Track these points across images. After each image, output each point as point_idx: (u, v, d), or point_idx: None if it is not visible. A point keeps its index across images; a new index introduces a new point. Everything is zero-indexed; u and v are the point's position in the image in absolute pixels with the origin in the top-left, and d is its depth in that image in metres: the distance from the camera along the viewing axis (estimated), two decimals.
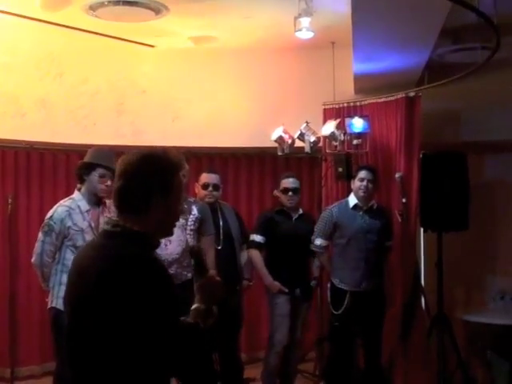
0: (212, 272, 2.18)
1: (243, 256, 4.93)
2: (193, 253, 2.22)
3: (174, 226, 2.04)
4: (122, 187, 1.94)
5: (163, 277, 1.88)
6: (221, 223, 4.73)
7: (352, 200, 4.79)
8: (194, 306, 2.03)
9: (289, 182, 4.92)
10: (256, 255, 4.87)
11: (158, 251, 3.95)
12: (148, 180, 1.92)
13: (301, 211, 5.00)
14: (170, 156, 1.98)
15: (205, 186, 4.73)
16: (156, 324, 1.80)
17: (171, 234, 2.07)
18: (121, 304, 1.79)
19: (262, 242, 4.87)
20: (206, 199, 4.69)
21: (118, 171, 1.96)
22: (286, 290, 4.78)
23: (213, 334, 4.88)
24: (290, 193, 4.89)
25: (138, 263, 1.84)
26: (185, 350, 1.89)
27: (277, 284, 4.80)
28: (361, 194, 4.72)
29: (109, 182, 3.86)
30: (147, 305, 1.79)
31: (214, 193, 4.74)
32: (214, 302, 2.04)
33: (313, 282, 5.02)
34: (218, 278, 2.14)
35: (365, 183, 4.70)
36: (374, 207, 4.80)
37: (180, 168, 2.03)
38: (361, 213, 4.75)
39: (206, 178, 4.77)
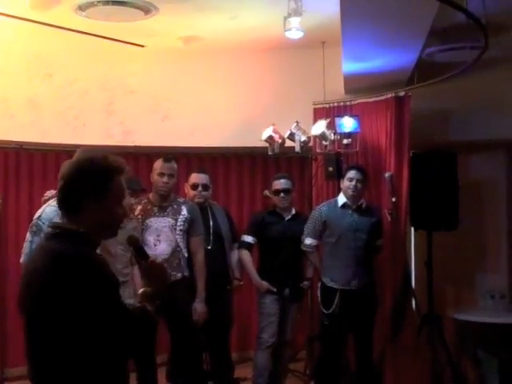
0: (152, 257, 2.25)
1: (234, 256, 4.93)
2: (130, 241, 2.27)
3: (119, 226, 2.13)
4: (60, 189, 2.07)
5: (99, 273, 1.95)
6: (211, 223, 4.73)
7: (341, 199, 4.80)
8: (140, 290, 2.14)
9: (280, 183, 4.91)
10: (245, 255, 4.88)
11: (148, 251, 3.98)
12: (78, 183, 2.02)
13: (294, 211, 4.98)
14: (108, 161, 2.07)
15: (194, 187, 4.73)
16: (97, 316, 1.90)
17: (115, 234, 2.14)
18: (64, 301, 1.88)
19: (251, 242, 4.89)
20: (196, 199, 4.69)
21: (60, 174, 2.12)
22: (275, 290, 4.78)
23: (202, 333, 4.85)
24: (282, 194, 4.88)
25: (74, 261, 1.93)
26: (134, 333, 2.01)
27: (265, 284, 4.80)
28: (350, 193, 4.73)
29: None
30: (86, 300, 1.88)
31: (204, 193, 4.74)
32: (160, 284, 2.15)
33: (305, 283, 4.99)
34: (159, 262, 2.26)
35: (353, 183, 4.71)
36: (363, 206, 4.81)
37: (119, 172, 2.08)
38: (350, 211, 4.76)
39: (195, 178, 4.76)
